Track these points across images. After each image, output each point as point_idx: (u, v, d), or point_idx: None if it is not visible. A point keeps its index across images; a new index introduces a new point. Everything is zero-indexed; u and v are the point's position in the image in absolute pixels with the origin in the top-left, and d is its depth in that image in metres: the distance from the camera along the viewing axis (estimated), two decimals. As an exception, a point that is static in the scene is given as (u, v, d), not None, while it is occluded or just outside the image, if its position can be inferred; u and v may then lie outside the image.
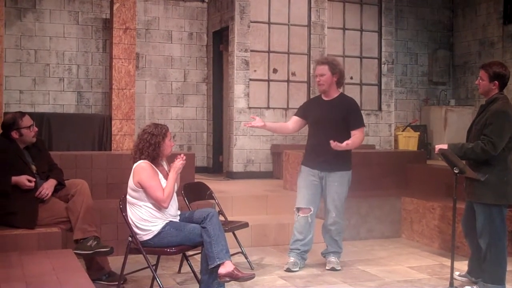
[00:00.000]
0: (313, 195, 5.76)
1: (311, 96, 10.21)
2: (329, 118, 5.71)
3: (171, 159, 4.93)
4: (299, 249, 5.77)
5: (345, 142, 5.44)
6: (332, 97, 5.79)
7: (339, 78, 5.77)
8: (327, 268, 5.76)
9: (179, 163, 4.75)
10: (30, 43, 9.87)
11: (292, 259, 5.74)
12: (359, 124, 5.74)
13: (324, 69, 5.71)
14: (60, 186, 5.20)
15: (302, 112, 5.99)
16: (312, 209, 5.76)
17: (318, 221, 7.13)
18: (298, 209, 5.80)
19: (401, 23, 11.89)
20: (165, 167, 4.89)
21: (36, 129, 5.21)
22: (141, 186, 4.61)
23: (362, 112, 10.46)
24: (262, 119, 6.00)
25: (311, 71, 10.24)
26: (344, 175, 5.74)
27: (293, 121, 6.03)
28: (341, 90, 5.96)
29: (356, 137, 5.60)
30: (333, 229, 5.80)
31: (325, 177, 5.73)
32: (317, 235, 7.05)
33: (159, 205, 4.64)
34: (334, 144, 5.41)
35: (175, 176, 4.72)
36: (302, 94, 10.26)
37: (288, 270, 5.65)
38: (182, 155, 4.82)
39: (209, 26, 10.86)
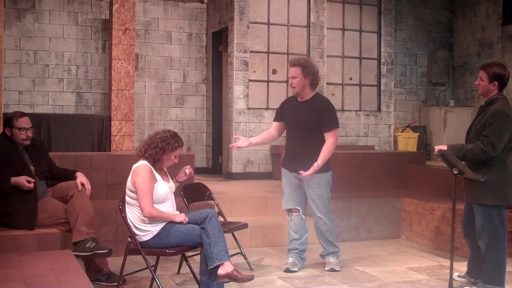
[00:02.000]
0: (297, 195, 5.75)
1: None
2: (303, 120, 5.65)
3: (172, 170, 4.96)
4: (297, 249, 5.77)
5: (315, 164, 5.41)
6: (306, 98, 5.71)
7: (312, 80, 5.65)
8: (326, 269, 5.76)
9: (178, 217, 4.67)
10: (30, 44, 9.86)
11: (291, 260, 5.74)
12: (332, 126, 5.61)
13: (297, 71, 5.63)
14: (54, 181, 5.24)
15: (279, 115, 5.89)
16: (300, 209, 5.77)
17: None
18: (289, 210, 5.80)
19: (401, 23, 11.90)
20: (165, 169, 4.89)
21: (30, 134, 5.15)
22: (135, 187, 4.61)
23: (361, 113, 10.65)
24: (246, 138, 5.96)
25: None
26: (322, 177, 5.62)
27: (274, 127, 5.91)
28: (316, 90, 5.81)
29: (326, 147, 5.51)
30: (324, 230, 5.78)
31: (303, 180, 5.64)
32: (314, 235, 7.06)
33: (141, 212, 4.59)
34: (304, 174, 5.47)
35: (172, 218, 4.66)
36: (301, 95, 10.25)
37: (287, 270, 5.65)
38: (190, 171, 4.93)
39: (208, 27, 10.86)
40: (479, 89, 5.09)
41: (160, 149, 4.67)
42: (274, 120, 5.95)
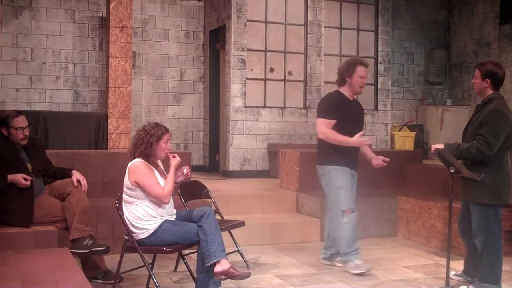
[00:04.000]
0: (351, 193, 5.77)
1: (308, 95, 10.24)
2: (358, 118, 5.89)
3: (167, 160, 4.93)
4: (358, 248, 5.75)
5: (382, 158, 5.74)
6: (354, 97, 5.86)
7: None
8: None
9: (175, 161, 4.74)
10: (27, 41, 9.85)
11: (360, 261, 5.68)
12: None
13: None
14: (51, 179, 5.24)
15: (335, 114, 5.71)
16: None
17: (313, 221, 7.15)
18: (350, 210, 5.67)
19: (398, 22, 11.91)
20: (161, 166, 4.89)
21: (27, 133, 5.14)
22: (139, 185, 4.61)
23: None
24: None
25: (308, 70, 10.26)
26: None
27: (332, 125, 5.69)
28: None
29: None
30: (330, 225, 5.85)
31: (354, 176, 5.82)
32: (311, 233, 7.07)
33: (160, 201, 4.63)
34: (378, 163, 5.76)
35: (174, 172, 4.72)
36: (298, 93, 10.27)
37: (364, 273, 5.55)
38: (174, 154, 4.81)
39: (205, 25, 10.85)
40: (475, 87, 5.11)
41: (147, 143, 4.67)
42: (332, 119, 5.67)
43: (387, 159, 5.81)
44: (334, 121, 5.62)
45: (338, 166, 5.66)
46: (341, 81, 5.78)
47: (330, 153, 5.67)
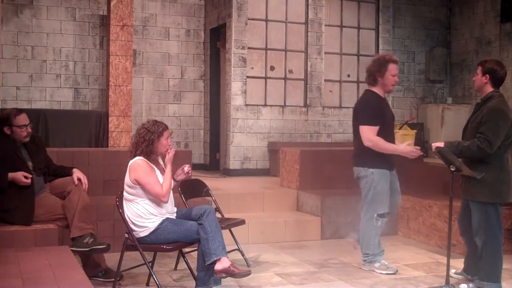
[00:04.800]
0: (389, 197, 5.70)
1: (308, 94, 10.24)
2: (393, 117, 5.81)
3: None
4: (384, 250, 5.76)
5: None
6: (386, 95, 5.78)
7: None
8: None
9: (170, 154, 4.74)
10: (27, 40, 9.84)
11: (386, 261, 5.69)
12: None
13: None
14: (52, 177, 5.25)
15: (382, 117, 5.63)
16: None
17: (313, 219, 7.15)
18: (385, 214, 5.65)
19: (399, 21, 11.89)
20: (162, 164, 4.89)
21: (30, 130, 5.17)
22: (139, 183, 4.61)
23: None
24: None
25: (308, 69, 10.25)
26: None
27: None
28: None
29: None
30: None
31: (393, 179, 5.74)
32: (311, 232, 7.07)
33: (159, 200, 4.64)
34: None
35: (171, 169, 4.73)
36: (299, 92, 10.27)
37: (395, 271, 5.57)
38: (171, 149, 4.81)
39: (206, 23, 10.85)
40: (475, 84, 5.12)
41: (149, 140, 4.68)
42: (377, 125, 5.51)
43: (419, 147, 5.68)
44: (378, 127, 5.50)
45: (379, 169, 5.56)
46: (373, 80, 5.64)
47: (370, 155, 5.54)
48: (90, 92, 10.22)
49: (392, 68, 5.58)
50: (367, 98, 5.71)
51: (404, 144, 5.50)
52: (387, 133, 5.54)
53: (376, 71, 5.61)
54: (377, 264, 5.63)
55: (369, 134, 5.49)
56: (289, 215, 7.32)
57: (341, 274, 5.55)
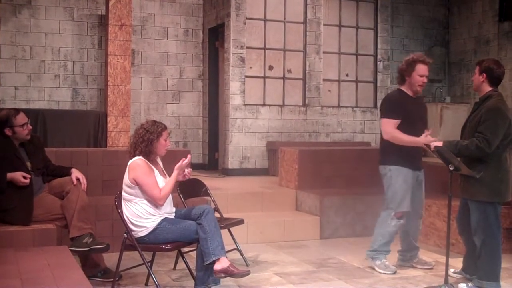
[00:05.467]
0: (409, 196, 5.63)
1: (307, 93, 10.24)
2: (422, 116, 5.72)
3: (166, 158, 4.93)
4: (389, 250, 5.77)
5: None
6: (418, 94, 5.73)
7: None
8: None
9: (183, 162, 4.73)
10: (26, 40, 9.84)
11: (388, 261, 5.68)
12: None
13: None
14: (50, 177, 5.25)
15: (402, 113, 5.56)
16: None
17: (312, 219, 7.15)
18: (405, 213, 5.60)
19: (397, 20, 11.89)
20: (160, 164, 4.89)
21: (30, 127, 5.19)
22: (137, 183, 4.61)
23: (358, 109, 10.68)
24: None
25: (307, 68, 10.25)
26: None
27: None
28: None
29: None
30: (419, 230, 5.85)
31: (417, 179, 5.69)
32: (310, 231, 7.07)
33: (155, 203, 4.64)
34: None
35: (176, 176, 4.72)
36: (297, 91, 10.27)
37: (394, 272, 5.55)
38: (188, 157, 4.83)
39: (204, 23, 10.84)
40: (473, 84, 5.13)
41: (148, 140, 4.67)
42: (397, 118, 5.51)
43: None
44: (398, 121, 5.48)
45: (399, 166, 5.53)
46: (401, 79, 5.64)
47: (392, 153, 5.54)
48: (89, 92, 10.21)
49: (420, 69, 5.52)
50: (390, 94, 5.86)
51: (423, 135, 5.40)
52: (408, 131, 5.46)
53: (404, 70, 5.61)
54: (377, 262, 5.64)
55: (388, 127, 5.51)
56: (288, 215, 7.32)
57: (340, 273, 5.55)
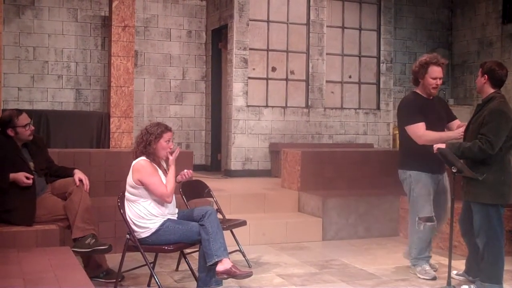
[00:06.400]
0: (431, 201, 5.56)
1: (310, 95, 10.24)
2: (440, 118, 5.61)
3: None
4: (430, 256, 5.72)
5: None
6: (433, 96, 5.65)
7: None
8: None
9: (174, 155, 4.73)
10: (29, 40, 9.85)
11: (429, 267, 5.60)
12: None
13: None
14: (53, 178, 5.26)
15: (422, 115, 5.51)
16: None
17: (315, 220, 7.13)
18: (426, 218, 5.50)
19: (400, 22, 11.89)
20: (164, 165, 4.89)
21: (33, 128, 5.20)
22: (142, 184, 4.61)
23: (360, 111, 10.68)
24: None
25: (310, 70, 10.26)
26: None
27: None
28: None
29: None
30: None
31: (439, 183, 5.62)
32: (313, 233, 7.07)
33: (163, 200, 4.64)
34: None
35: (175, 169, 4.73)
36: (300, 93, 10.27)
37: (434, 278, 5.44)
38: (171, 152, 4.78)
39: (208, 24, 10.85)
40: (476, 86, 5.12)
41: (146, 141, 4.67)
42: (421, 121, 5.39)
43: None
44: (423, 123, 5.36)
45: (419, 171, 5.47)
46: (415, 81, 5.58)
47: (412, 158, 5.49)
48: (92, 93, 10.22)
49: (433, 71, 5.44)
50: (406, 99, 5.72)
51: (456, 129, 5.38)
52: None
53: (417, 73, 5.53)
54: (418, 268, 5.55)
55: (418, 132, 5.39)
56: (290, 216, 7.31)
57: (342, 275, 5.54)
